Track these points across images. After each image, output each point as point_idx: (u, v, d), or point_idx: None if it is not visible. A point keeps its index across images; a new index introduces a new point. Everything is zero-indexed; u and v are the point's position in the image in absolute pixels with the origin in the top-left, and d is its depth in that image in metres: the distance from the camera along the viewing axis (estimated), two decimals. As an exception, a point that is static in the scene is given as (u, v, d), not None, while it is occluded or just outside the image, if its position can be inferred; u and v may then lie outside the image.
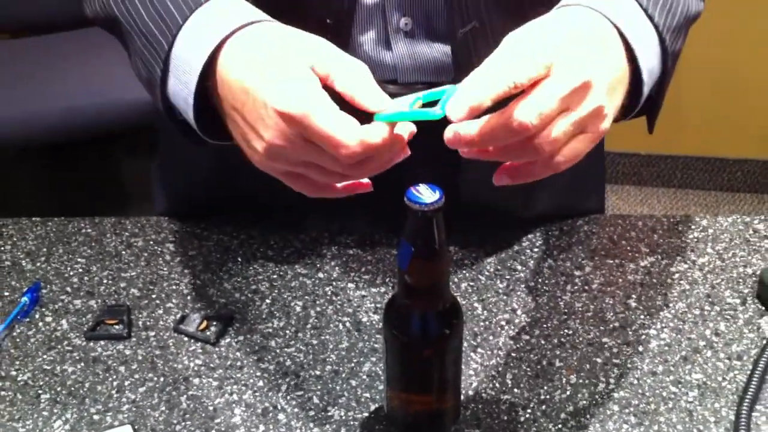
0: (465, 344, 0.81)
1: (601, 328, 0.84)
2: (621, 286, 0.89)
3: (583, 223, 0.98)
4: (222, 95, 0.65)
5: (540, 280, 0.90)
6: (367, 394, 0.77)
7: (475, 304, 0.87)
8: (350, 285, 0.90)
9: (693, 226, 0.97)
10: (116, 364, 0.81)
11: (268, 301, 0.88)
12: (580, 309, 0.86)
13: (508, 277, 0.90)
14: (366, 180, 0.66)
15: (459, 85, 0.60)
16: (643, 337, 0.83)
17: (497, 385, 0.78)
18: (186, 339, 0.84)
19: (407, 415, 0.71)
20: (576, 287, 0.89)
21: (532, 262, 0.92)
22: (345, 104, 0.61)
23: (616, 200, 2.54)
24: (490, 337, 0.83)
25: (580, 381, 0.78)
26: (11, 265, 0.93)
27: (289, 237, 0.96)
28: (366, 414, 0.75)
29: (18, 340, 0.84)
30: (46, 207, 1.00)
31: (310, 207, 0.96)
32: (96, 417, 0.76)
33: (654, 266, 0.91)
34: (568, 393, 0.77)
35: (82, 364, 0.81)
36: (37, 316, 0.87)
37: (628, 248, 0.94)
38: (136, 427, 0.74)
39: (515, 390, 0.77)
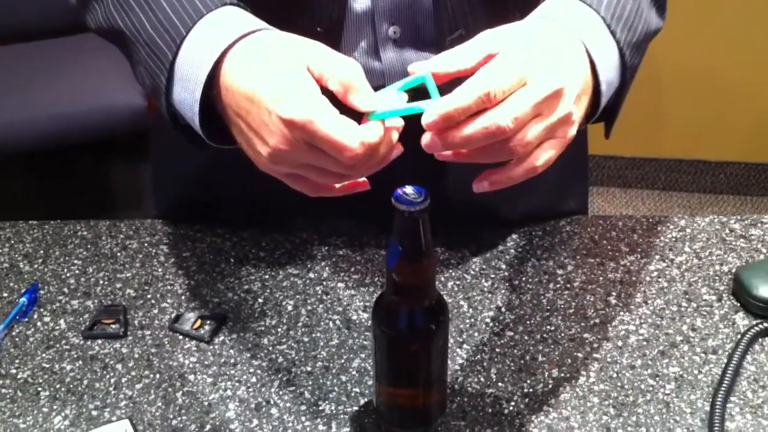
0: (451, 340, 0.84)
1: (582, 324, 0.87)
2: (601, 284, 0.92)
3: (566, 223, 1.01)
4: (226, 102, 0.68)
5: (523, 278, 0.93)
6: (357, 389, 0.80)
7: (461, 302, 0.90)
8: (340, 284, 0.92)
9: (671, 226, 1.00)
10: (113, 362, 0.84)
11: (260, 300, 0.91)
12: (562, 306, 0.89)
13: (492, 276, 0.93)
14: (363, 179, 0.69)
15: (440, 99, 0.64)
16: (623, 332, 0.86)
17: (482, 379, 0.81)
18: (181, 337, 0.86)
19: (395, 408, 0.74)
20: (558, 285, 0.92)
21: (516, 261, 0.95)
22: (338, 102, 0.65)
23: (601, 202, 2.58)
24: (476, 334, 0.86)
25: (562, 375, 0.81)
26: (9, 267, 0.96)
27: (280, 238, 0.99)
28: (356, 408, 0.78)
29: (17, 339, 0.86)
30: (37, 212, 1.02)
31: (300, 210, 0.99)
32: (94, 413, 0.78)
33: (633, 265, 0.94)
34: (550, 386, 0.80)
35: (80, 362, 0.84)
36: (35, 316, 0.89)
37: (609, 248, 0.97)
38: (133, 421, 0.76)
39: (499, 384, 0.80)
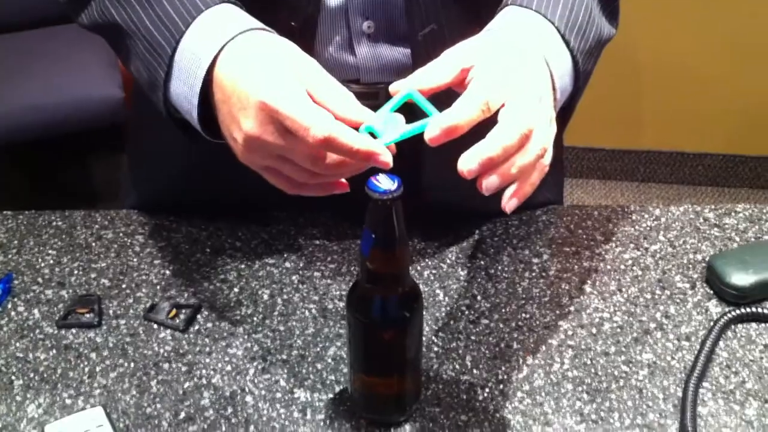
0: (427, 329, 0.85)
1: (557, 312, 0.87)
2: (576, 273, 0.92)
3: (542, 213, 1.01)
4: (214, 92, 0.69)
5: (499, 267, 0.93)
6: (332, 377, 0.80)
7: (437, 291, 0.90)
8: (316, 273, 0.92)
9: (646, 216, 1.01)
10: (87, 351, 0.83)
11: (236, 289, 0.90)
12: (537, 294, 0.89)
13: (468, 264, 0.94)
14: (343, 180, 0.69)
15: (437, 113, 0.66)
16: (597, 320, 0.86)
17: (457, 366, 0.81)
18: (156, 326, 0.86)
19: (370, 396, 0.74)
20: (534, 274, 0.92)
21: (492, 250, 0.96)
22: None
23: (580, 194, 2.59)
24: (451, 322, 0.86)
25: (536, 362, 0.82)
26: (-17, 257, 0.95)
27: (257, 229, 0.99)
28: (331, 396, 0.78)
29: (-10, 329, 0.86)
30: (12, 204, 1.02)
31: (278, 203, 0.99)
32: (68, 401, 0.78)
33: (608, 253, 0.95)
34: (524, 373, 0.80)
35: (54, 351, 0.83)
36: (9, 306, 0.89)
37: (584, 237, 0.98)
38: (107, 410, 0.76)
39: (474, 371, 0.81)
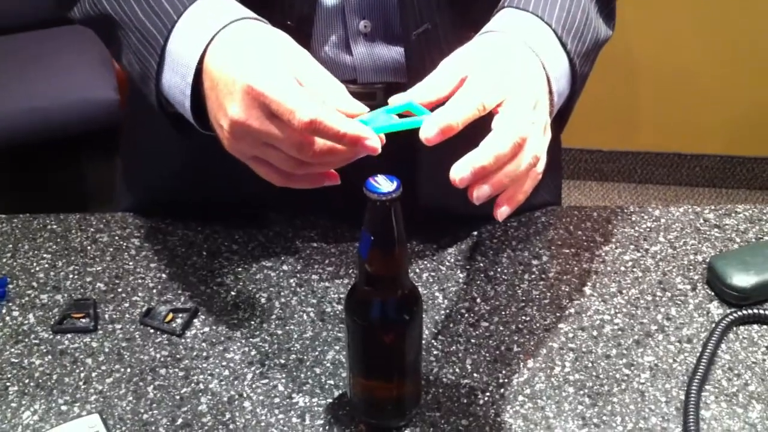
0: (426, 332, 0.84)
1: (558, 314, 0.86)
2: (576, 275, 0.92)
3: (541, 215, 1.01)
4: (204, 80, 0.69)
5: (499, 269, 0.92)
6: (331, 381, 0.79)
7: (436, 293, 0.89)
8: (314, 276, 0.92)
9: (646, 216, 1.00)
10: (83, 356, 0.82)
11: (233, 293, 0.90)
12: (537, 296, 0.89)
13: (467, 267, 0.93)
14: (333, 171, 0.68)
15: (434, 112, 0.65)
16: (598, 322, 0.85)
17: (457, 370, 0.80)
18: (152, 331, 0.85)
19: (370, 400, 0.73)
20: (533, 276, 0.91)
21: (491, 252, 0.95)
22: None
23: (578, 196, 2.58)
24: (451, 325, 0.85)
25: (537, 365, 0.81)
26: (-23, 262, 0.94)
27: (253, 231, 0.98)
28: (330, 400, 0.77)
29: (-15, 334, 0.85)
30: (6, 208, 1.01)
31: (275, 205, 0.98)
32: (64, 408, 0.77)
33: (608, 255, 0.94)
34: (525, 377, 0.79)
35: (50, 356, 0.82)
36: (3, 311, 0.88)
37: (584, 238, 0.97)
38: (104, 416, 0.75)
39: (474, 375, 0.80)
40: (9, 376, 0.80)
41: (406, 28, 0.82)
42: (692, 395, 0.76)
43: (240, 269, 0.93)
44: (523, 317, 0.86)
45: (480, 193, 0.63)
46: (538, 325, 0.85)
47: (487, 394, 0.78)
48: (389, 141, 0.66)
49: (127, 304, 0.88)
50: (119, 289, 0.90)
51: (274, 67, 0.64)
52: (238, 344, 0.83)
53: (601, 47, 0.81)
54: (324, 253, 0.95)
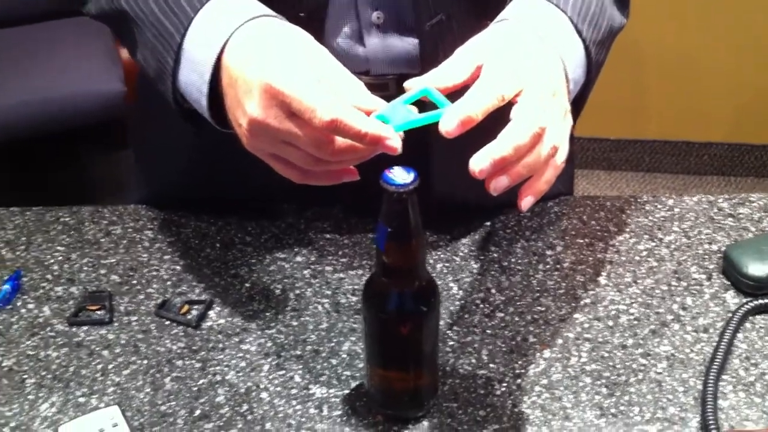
0: (442, 322, 0.84)
1: (573, 304, 0.86)
2: (591, 264, 0.91)
3: (554, 204, 1.00)
4: (222, 77, 0.69)
5: (513, 260, 0.92)
6: (348, 372, 0.79)
7: (451, 284, 0.89)
8: (328, 268, 0.91)
9: (659, 206, 1.00)
10: (99, 348, 0.82)
11: (247, 285, 0.90)
12: (552, 287, 0.89)
13: (482, 257, 0.93)
14: (352, 167, 0.68)
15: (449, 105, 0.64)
16: (613, 312, 0.85)
17: (473, 360, 0.80)
18: (167, 323, 0.85)
19: (387, 391, 0.73)
20: (548, 266, 0.91)
21: (504, 242, 0.95)
22: None
23: (586, 185, 2.58)
24: (466, 316, 0.85)
25: (553, 355, 0.81)
26: (-9, 254, 0.94)
27: (266, 223, 0.98)
28: (347, 391, 0.77)
29: (1, 327, 0.85)
30: (12, 202, 1.01)
31: (286, 197, 0.98)
32: (82, 399, 0.77)
33: (622, 244, 0.94)
34: (541, 367, 0.79)
35: (66, 349, 0.82)
36: (18, 303, 0.88)
37: (598, 228, 0.97)
38: (122, 408, 0.75)
39: (491, 365, 0.80)
40: (26, 368, 0.80)
41: (420, 19, 0.82)
42: (710, 385, 0.76)
43: (254, 261, 0.93)
44: (539, 307, 0.86)
45: (498, 184, 0.63)
46: (553, 315, 0.85)
47: (504, 384, 0.78)
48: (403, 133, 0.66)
49: (142, 296, 0.88)
50: (134, 281, 0.90)
51: (294, 65, 0.64)
52: (254, 336, 0.83)
53: (616, 35, 0.81)
54: (337, 245, 0.95)
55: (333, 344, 0.82)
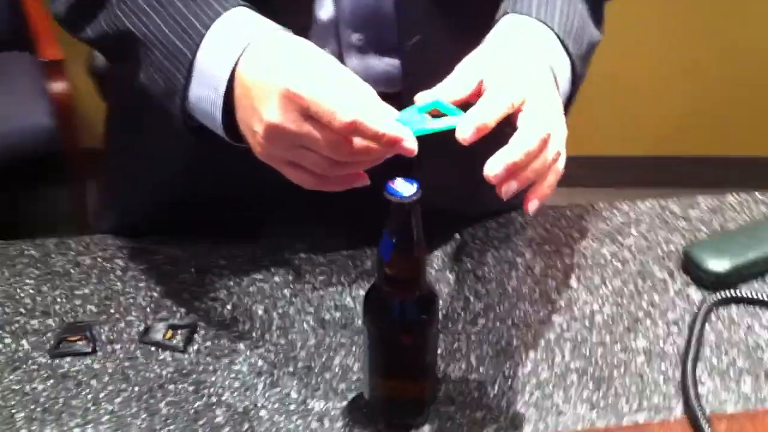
0: (427, 332, 0.86)
1: (549, 307, 0.90)
2: (560, 269, 0.95)
3: (517, 215, 1.04)
4: (235, 89, 0.70)
5: (486, 269, 0.95)
6: (343, 385, 0.80)
7: (430, 295, 0.91)
8: (307, 286, 0.92)
9: (616, 212, 1.04)
10: (87, 378, 0.81)
11: (228, 307, 0.90)
12: (527, 292, 0.92)
13: (456, 268, 0.95)
14: (362, 172, 0.70)
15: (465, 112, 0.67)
16: (588, 312, 0.89)
17: (463, 366, 0.82)
18: (153, 349, 0.84)
19: (391, 399, 0.75)
20: (520, 273, 0.95)
21: (476, 253, 0.98)
22: None
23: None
24: (449, 324, 0.87)
25: (538, 356, 0.84)
26: (-42, 291, 0.91)
27: (239, 247, 0.98)
28: (345, 403, 0.78)
29: (-20, 363, 0.83)
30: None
31: (259, 221, 0.99)
32: (77, 430, 0.76)
33: (587, 249, 0.98)
34: (529, 368, 0.82)
35: (52, 381, 0.81)
36: (-6, 338, 0.86)
37: (561, 235, 1.01)
38: (123, 435, 0.74)
39: (480, 369, 0.82)
40: (13, 403, 0.78)
41: (401, 39, 0.85)
42: (688, 373, 0.80)
43: (231, 283, 0.93)
44: (517, 312, 0.89)
45: (509, 188, 0.65)
46: (532, 318, 0.88)
47: (496, 386, 0.80)
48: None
49: (122, 324, 0.87)
50: (111, 310, 0.89)
51: (310, 70, 0.66)
52: (244, 356, 0.84)
53: (594, 50, 0.85)
54: (313, 263, 0.96)
55: (324, 359, 0.83)
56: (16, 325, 0.87)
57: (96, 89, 1.28)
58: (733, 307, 0.90)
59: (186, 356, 0.84)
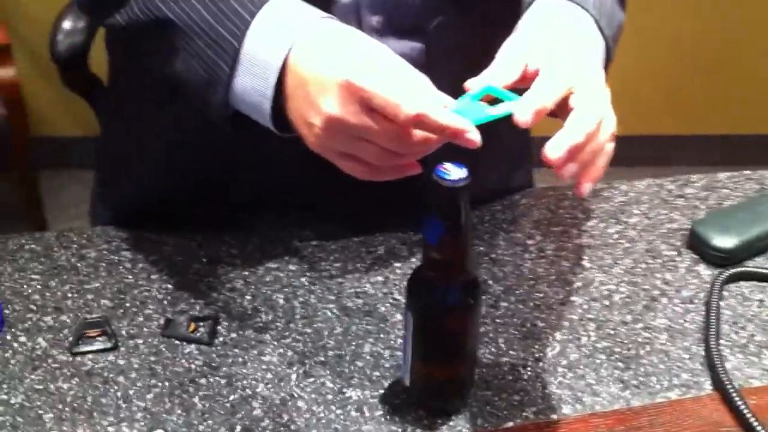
0: (452, 316, 0.86)
1: (567, 288, 0.91)
2: (572, 250, 0.96)
3: (520, 197, 1.05)
4: (287, 79, 0.68)
5: (499, 251, 0.96)
6: (377, 372, 0.80)
7: (449, 279, 0.91)
8: (324, 273, 0.92)
9: (615, 192, 1.06)
10: (113, 375, 0.79)
11: (248, 297, 0.88)
12: (543, 273, 0.93)
13: (470, 251, 0.95)
14: (415, 161, 0.69)
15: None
16: (605, 292, 0.91)
17: (493, 349, 0.83)
18: (177, 342, 0.83)
19: (432, 385, 0.75)
20: (533, 255, 0.95)
21: (486, 236, 0.98)
22: None
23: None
24: (473, 308, 0.88)
25: (565, 337, 0.85)
26: (-39, 289, 0.88)
27: (246, 235, 0.96)
28: (382, 391, 0.78)
29: (-3, 363, 0.80)
30: None
31: (271, 208, 0.97)
32: (111, 429, 0.74)
33: (594, 229, 1.00)
34: (557, 349, 0.83)
35: (77, 379, 0.78)
36: (8, 337, 0.83)
37: (567, 216, 1.02)
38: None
39: (511, 352, 0.83)
40: (39, 403, 0.76)
41: (420, 21, 0.84)
42: (712, 349, 0.82)
43: (247, 273, 0.91)
44: (537, 294, 0.90)
45: (570, 170, 0.66)
46: (552, 300, 0.89)
47: (528, 369, 0.81)
48: None
49: (141, 318, 0.85)
50: (127, 304, 0.87)
51: (368, 62, 0.65)
52: (272, 346, 0.82)
53: (621, 31, 0.86)
54: (326, 251, 0.95)
55: (353, 347, 0.83)
56: (29, 323, 0.84)
57: (57, 76, 1.20)
58: (743, 283, 0.92)
59: (213, 349, 0.82)
